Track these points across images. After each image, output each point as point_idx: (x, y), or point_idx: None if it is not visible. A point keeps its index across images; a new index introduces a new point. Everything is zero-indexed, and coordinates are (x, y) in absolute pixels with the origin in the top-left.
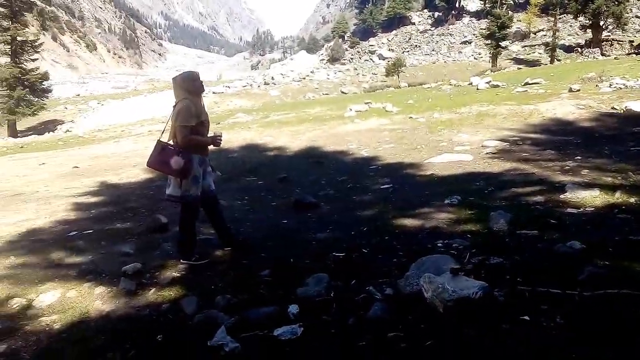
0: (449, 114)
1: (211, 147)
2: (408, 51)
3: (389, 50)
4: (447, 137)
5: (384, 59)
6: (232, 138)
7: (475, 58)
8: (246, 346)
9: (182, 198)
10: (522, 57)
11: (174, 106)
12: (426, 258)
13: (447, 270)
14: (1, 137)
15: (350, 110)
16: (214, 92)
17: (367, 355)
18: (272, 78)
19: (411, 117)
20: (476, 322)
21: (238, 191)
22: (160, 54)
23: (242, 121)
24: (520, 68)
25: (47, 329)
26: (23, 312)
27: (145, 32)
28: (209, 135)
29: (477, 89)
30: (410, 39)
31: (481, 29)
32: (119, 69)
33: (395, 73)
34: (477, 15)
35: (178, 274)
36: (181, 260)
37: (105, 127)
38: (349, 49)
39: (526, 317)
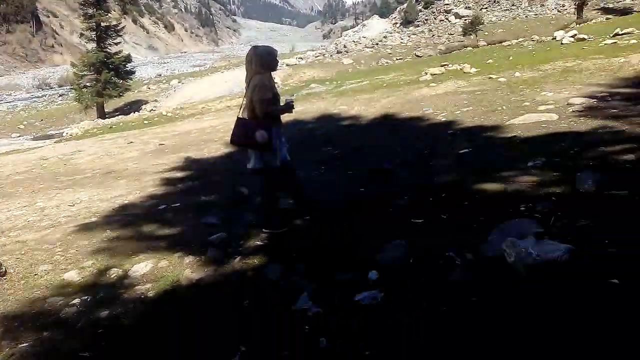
0: (532, 72)
1: (285, 116)
2: (486, 8)
3: (466, 8)
4: (530, 97)
5: (460, 18)
6: (307, 109)
7: (558, 11)
8: (328, 310)
9: (265, 170)
10: (611, 5)
11: (248, 82)
12: (508, 222)
13: (531, 235)
14: (91, 119)
15: (426, 74)
16: (287, 65)
17: (448, 320)
18: (345, 46)
19: (491, 78)
20: (562, 285)
21: (314, 162)
22: (234, 30)
23: (316, 92)
24: (609, 18)
25: (142, 296)
26: (120, 281)
27: (220, 9)
28: (281, 104)
29: (562, 43)
30: None
31: None
32: (197, 47)
33: (473, 32)
34: None
35: (261, 243)
36: (264, 230)
37: (187, 104)
38: (423, 10)
39: (615, 281)
